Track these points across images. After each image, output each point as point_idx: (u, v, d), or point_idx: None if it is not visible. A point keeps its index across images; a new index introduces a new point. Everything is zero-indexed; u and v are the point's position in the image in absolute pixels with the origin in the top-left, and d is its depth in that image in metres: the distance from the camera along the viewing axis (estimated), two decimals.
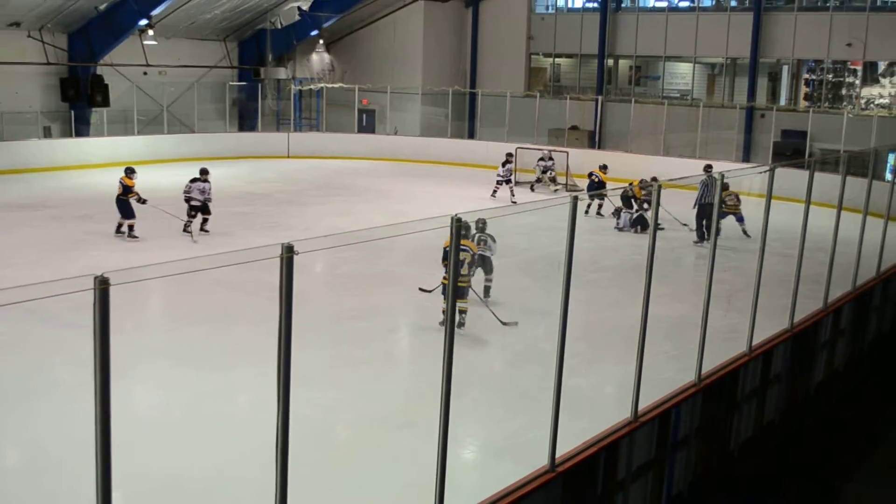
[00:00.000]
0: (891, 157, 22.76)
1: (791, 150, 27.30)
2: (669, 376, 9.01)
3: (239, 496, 7.19)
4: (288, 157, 30.84)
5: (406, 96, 33.95)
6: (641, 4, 33.79)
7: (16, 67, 26.74)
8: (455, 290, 5.66)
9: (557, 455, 6.79)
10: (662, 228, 18.10)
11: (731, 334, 10.39)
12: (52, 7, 26.25)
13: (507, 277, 14.53)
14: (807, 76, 31.25)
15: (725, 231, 17.60)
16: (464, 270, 10.81)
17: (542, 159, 25.36)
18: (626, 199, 19.26)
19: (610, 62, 34.36)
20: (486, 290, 12.46)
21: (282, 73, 34.19)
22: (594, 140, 31.94)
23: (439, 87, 33.45)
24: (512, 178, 23.51)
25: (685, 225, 18.79)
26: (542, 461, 6.76)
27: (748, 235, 17.85)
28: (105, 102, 28.16)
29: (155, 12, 27.62)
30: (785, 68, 31.70)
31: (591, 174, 21.56)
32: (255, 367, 9.48)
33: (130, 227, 16.68)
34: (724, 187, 18.53)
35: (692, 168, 23.33)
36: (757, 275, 9.90)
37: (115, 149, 26.91)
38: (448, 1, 36.03)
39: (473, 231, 11.89)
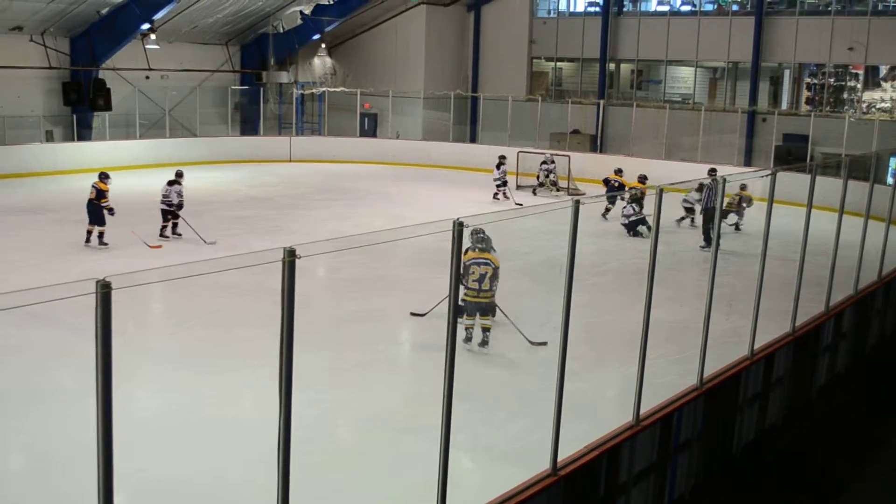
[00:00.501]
0: (892, 161, 22.77)
1: (792, 154, 27.28)
2: (671, 380, 9.00)
3: (241, 499, 7.19)
4: (290, 160, 30.86)
5: (408, 100, 33.96)
6: (643, 8, 33.84)
7: (18, 71, 26.81)
8: (456, 298, 5.65)
9: (559, 459, 6.78)
10: (648, 226, 18.46)
11: (732, 338, 10.39)
12: (54, 11, 26.30)
13: (508, 281, 14.52)
14: (808, 80, 31.27)
15: (728, 235, 17.63)
16: (485, 285, 10.37)
17: (544, 162, 25.36)
18: (636, 200, 19.24)
19: (612, 66, 34.39)
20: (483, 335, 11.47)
21: (284, 77, 34.24)
22: (596, 144, 31.95)
23: (441, 91, 33.47)
24: (507, 179, 23.66)
25: (682, 219, 18.82)
26: (544, 465, 6.76)
27: (738, 229, 18.28)
28: (107, 106, 28.19)
29: (157, 16, 27.67)
30: (787, 72, 31.71)
31: (607, 180, 21.47)
32: (256, 370, 9.50)
33: (101, 235, 16.36)
34: (743, 187, 19.27)
35: (694, 172, 23.34)
36: (759, 278, 9.89)
37: (117, 153, 26.96)
38: (450, 5, 36.08)
39: (469, 242, 11.29)
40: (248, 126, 33.48)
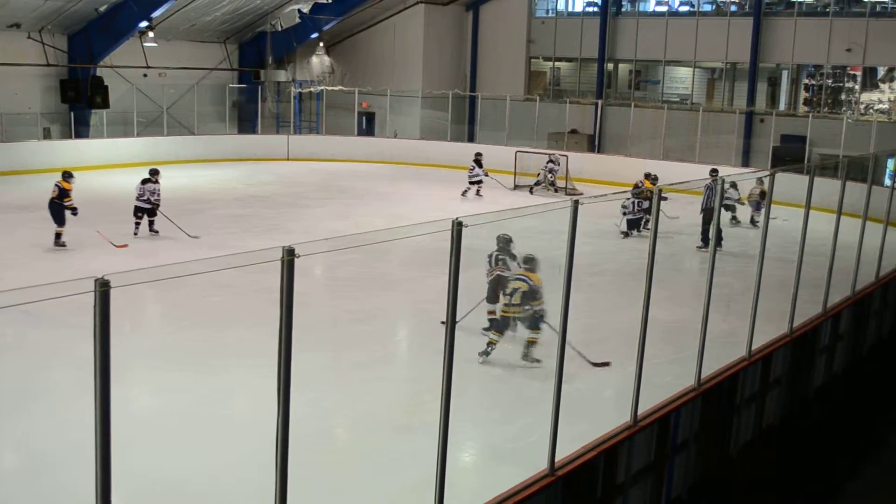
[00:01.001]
0: (890, 163, 22.79)
1: (791, 155, 27.30)
2: (669, 380, 9.01)
3: (238, 499, 7.17)
4: (287, 159, 30.84)
5: (406, 99, 33.96)
6: (641, 9, 33.85)
7: (16, 68, 26.78)
8: (455, 298, 5.64)
9: (557, 458, 6.79)
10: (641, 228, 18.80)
11: (730, 338, 10.39)
12: (52, 8, 26.27)
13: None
14: (806, 81, 31.30)
15: (726, 236, 17.60)
16: (515, 300, 10.20)
17: (550, 161, 25.24)
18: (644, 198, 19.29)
19: (610, 66, 34.41)
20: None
21: (282, 75, 34.23)
22: (594, 144, 31.96)
23: (439, 91, 33.47)
24: (482, 177, 24.07)
25: (675, 217, 18.84)
26: (542, 464, 6.76)
27: (736, 222, 18.93)
28: (105, 104, 28.16)
29: (155, 14, 27.65)
30: (784, 73, 31.74)
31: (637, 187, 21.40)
32: (253, 370, 9.47)
33: (57, 235, 16.08)
34: (761, 181, 19.46)
35: (691, 172, 23.37)
36: (757, 279, 9.90)
37: (115, 150, 26.94)
38: (448, 4, 36.07)
39: (495, 249, 11.15)
40: (246, 124, 33.47)
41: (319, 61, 36.52)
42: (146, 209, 17.27)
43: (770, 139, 28.45)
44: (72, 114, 27.89)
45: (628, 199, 18.88)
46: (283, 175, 27.50)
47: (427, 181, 27.07)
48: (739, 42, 30.91)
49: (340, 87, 34.36)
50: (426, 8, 35.14)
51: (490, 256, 11.27)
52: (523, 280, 10.32)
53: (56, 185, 16.34)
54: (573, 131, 32.40)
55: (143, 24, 27.94)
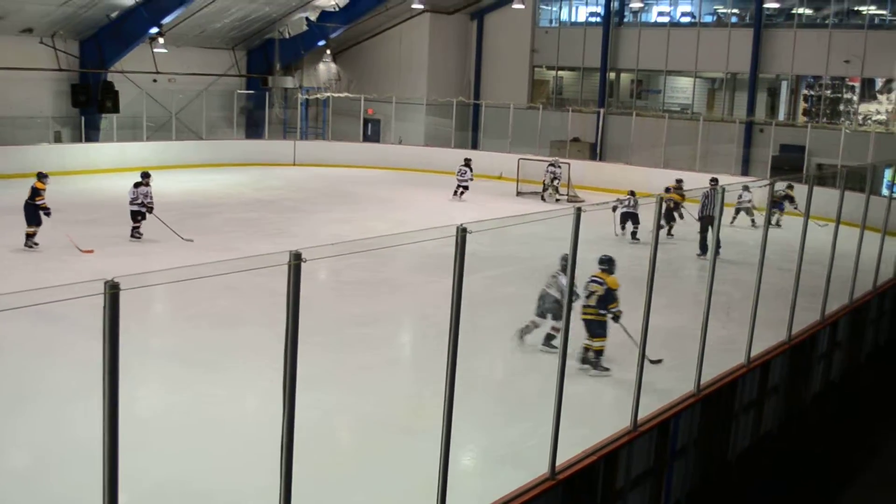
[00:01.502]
0: (887, 173, 22.74)
1: (790, 165, 27.29)
2: (669, 386, 8.99)
3: (243, 497, 7.16)
4: (294, 164, 30.89)
5: (411, 106, 33.99)
6: (643, 19, 33.87)
7: (28, 73, 26.80)
8: (459, 302, 5.64)
9: (558, 463, 6.77)
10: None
11: (729, 345, 10.36)
12: (64, 14, 26.33)
13: (509, 286, 14.53)
14: (805, 92, 31.29)
15: (724, 244, 17.57)
16: (591, 301, 10.18)
17: (552, 165, 25.39)
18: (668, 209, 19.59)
19: (612, 75, 34.41)
20: (548, 338, 10.91)
21: (289, 82, 34.27)
22: (595, 152, 31.97)
23: (444, 98, 33.50)
24: (469, 181, 24.68)
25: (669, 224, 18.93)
26: (543, 469, 6.75)
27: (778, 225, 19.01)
28: (115, 108, 28.21)
29: (165, 21, 27.71)
30: (784, 84, 31.74)
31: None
32: (258, 371, 9.48)
33: (29, 235, 15.94)
34: (790, 186, 20.39)
35: (692, 181, 23.31)
36: (756, 287, 9.89)
37: (124, 154, 26.97)
38: (453, 13, 36.11)
39: (558, 268, 10.86)
40: (254, 130, 33.52)
41: (326, 68, 36.58)
42: (141, 212, 17.22)
43: (769, 149, 28.42)
44: (82, 118, 27.94)
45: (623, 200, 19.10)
46: (290, 180, 27.54)
47: (431, 187, 27.08)
48: (740, 53, 30.92)
49: (346, 94, 34.40)
50: (431, 17, 35.18)
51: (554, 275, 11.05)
52: (599, 282, 10.24)
53: (32, 185, 16.31)
54: (575, 139, 32.41)
55: (154, 30, 28.01)
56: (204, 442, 8.24)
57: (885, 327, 14.77)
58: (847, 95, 30.29)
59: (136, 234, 17.15)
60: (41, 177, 16.55)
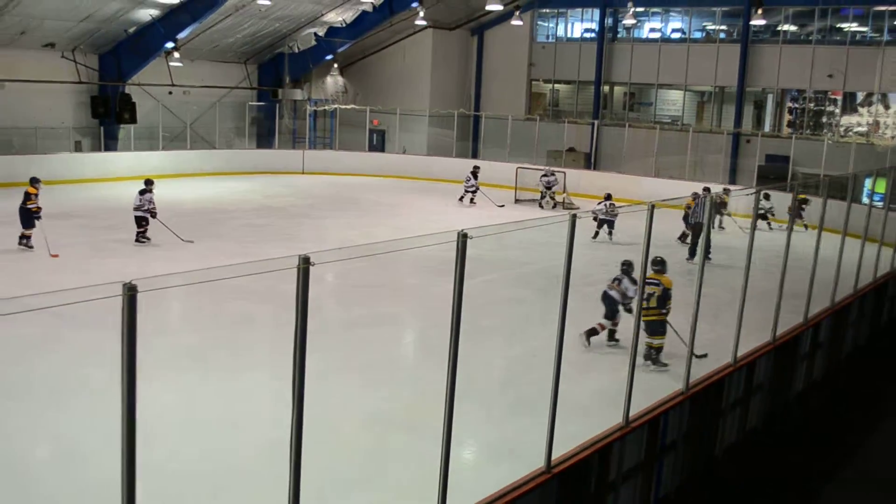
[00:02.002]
0: (867, 182, 22.75)
1: (775, 174, 27.32)
2: (659, 384, 9.00)
3: (255, 490, 7.17)
4: (303, 172, 30.90)
5: (414, 118, 34.02)
6: (636, 35, 33.88)
7: (50, 85, 26.88)
8: (460, 304, 5.66)
9: (553, 457, 6.78)
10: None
11: (717, 346, 10.36)
12: (84, 30, 26.38)
13: (507, 290, 14.55)
14: (790, 104, 31.31)
15: (714, 249, 17.56)
16: (652, 303, 10.29)
17: (545, 175, 25.45)
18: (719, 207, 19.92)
19: (606, 88, 34.44)
20: (611, 334, 11.29)
21: (298, 94, 34.31)
22: (590, 161, 31.98)
23: (445, 110, 33.54)
24: (478, 187, 24.86)
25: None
26: (539, 463, 6.75)
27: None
28: (132, 119, 28.25)
29: (181, 36, 27.74)
30: (770, 97, 31.76)
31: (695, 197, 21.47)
32: (269, 369, 9.49)
33: (25, 237, 16.12)
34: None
35: (682, 189, 23.35)
36: (742, 290, 9.90)
37: (141, 163, 26.98)
38: (455, 29, 36.16)
39: (620, 273, 11.16)
40: (264, 139, 33.55)
41: (333, 81, 36.63)
42: (144, 218, 17.23)
43: (756, 159, 28.43)
44: (101, 128, 27.98)
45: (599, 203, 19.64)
46: (299, 187, 27.56)
47: (433, 194, 27.10)
48: (727, 67, 30.95)
49: (353, 106, 34.43)
50: (434, 32, 35.22)
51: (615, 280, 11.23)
52: (655, 283, 10.32)
53: (25, 191, 16.32)
54: (571, 149, 32.41)
55: (169, 44, 28.04)
56: (216, 437, 8.25)
57: (865, 329, 14.77)
58: (829, 108, 30.32)
59: (142, 238, 17.16)
60: (34, 181, 16.52)
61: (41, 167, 24.30)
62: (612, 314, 11.18)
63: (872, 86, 28.72)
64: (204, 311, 12.40)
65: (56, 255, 15.63)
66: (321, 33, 33.32)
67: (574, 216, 6.60)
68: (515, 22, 32.23)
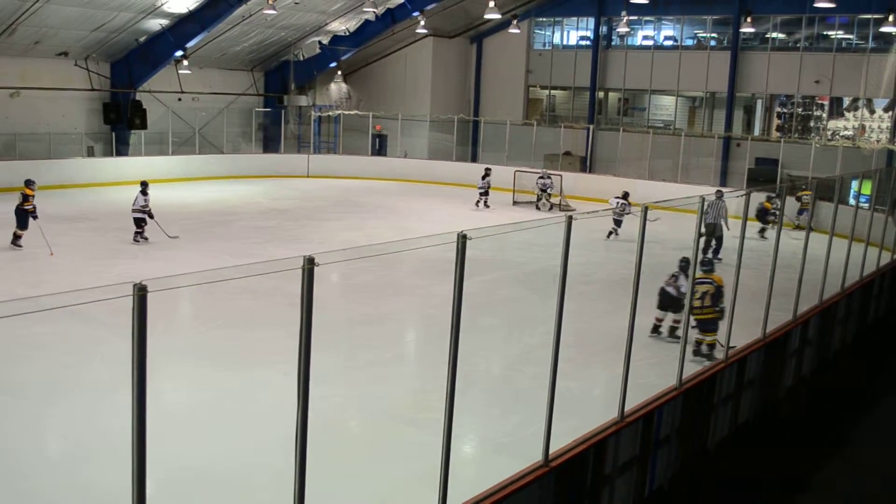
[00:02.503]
0: (854, 184, 22.74)
1: (764, 177, 27.30)
2: (653, 380, 8.97)
3: (261, 483, 7.16)
4: (308, 176, 30.88)
5: (415, 123, 34.01)
6: (629, 43, 33.88)
7: (63, 93, 26.91)
8: (460, 303, 5.64)
9: (550, 451, 6.76)
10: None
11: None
12: (97, 39, 26.39)
13: (506, 289, 14.53)
14: (779, 109, 31.30)
15: (725, 251, 17.51)
16: (706, 302, 10.47)
17: (541, 177, 25.43)
18: (762, 212, 20.27)
19: (601, 94, 34.43)
20: (672, 330, 11.52)
21: (303, 100, 34.29)
22: (585, 165, 31.97)
23: (445, 115, 33.52)
24: (489, 189, 24.57)
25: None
26: (537, 456, 6.73)
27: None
28: (143, 125, 28.26)
29: (189, 44, 27.75)
30: (759, 102, 31.74)
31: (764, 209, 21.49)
32: (274, 367, 9.48)
33: (17, 237, 16.18)
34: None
35: (674, 191, 23.35)
36: (733, 289, 9.88)
37: (152, 167, 26.98)
38: (454, 37, 36.15)
39: (677, 269, 11.39)
40: (270, 144, 33.53)
41: (337, 88, 36.62)
42: (142, 219, 17.27)
43: (745, 161, 28.43)
44: (113, 134, 27.99)
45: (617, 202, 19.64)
46: (304, 190, 27.55)
47: (434, 197, 27.10)
48: (718, 73, 30.95)
49: (356, 112, 34.42)
50: (434, 40, 35.21)
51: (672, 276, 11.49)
52: (709, 283, 10.41)
53: (21, 192, 16.37)
54: (567, 153, 32.40)
55: (179, 53, 28.05)
56: (224, 432, 8.24)
57: (852, 327, 14.74)
58: (817, 113, 30.32)
59: (141, 238, 17.16)
60: (29, 183, 16.50)
61: (55, 171, 24.40)
62: (666, 308, 11.48)
63: (858, 91, 28.71)
64: (212, 310, 12.39)
65: (52, 255, 15.68)
66: (325, 42, 33.33)
67: (570, 218, 6.58)
68: (513, 30, 32.23)
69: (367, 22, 32.40)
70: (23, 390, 9.07)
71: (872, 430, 11.37)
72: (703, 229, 17.89)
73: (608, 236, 19.51)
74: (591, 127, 32.17)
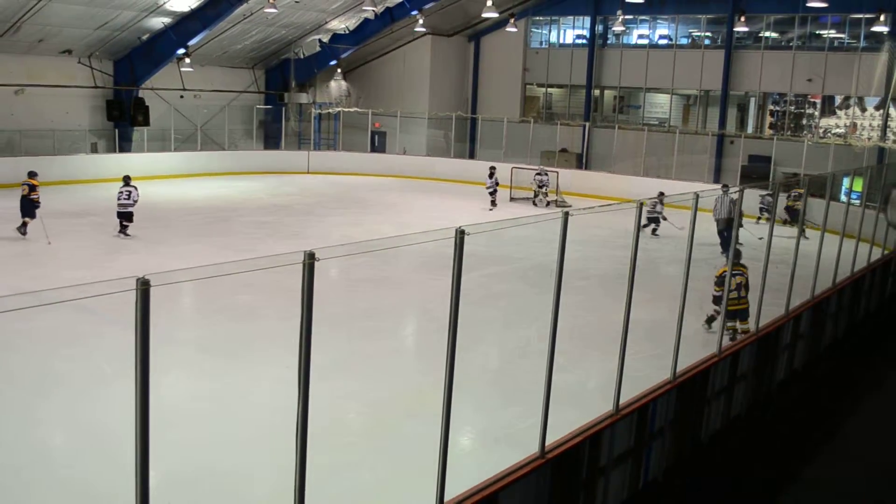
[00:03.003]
0: (845, 181, 22.76)
1: (757, 174, 27.32)
2: (647, 374, 8.97)
3: (261, 476, 7.16)
4: (308, 172, 30.87)
5: (414, 120, 33.99)
6: (625, 41, 33.84)
7: (67, 90, 26.86)
8: (458, 298, 5.63)
9: (547, 443, 6.76)
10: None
11: (703, 336, 10.36)
12: (100, 37, 26.33)
13: (504, 283, 14.54)
14: (771, 107, 31.29)
15: (714, 244, 17.48)
16: (742, 293, 10.81)
17: (538, 174, 25.43)
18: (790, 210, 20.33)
19: (596, 92, 34.41)
20: (710, 319, 11.87)
21: (303, 97, 34.26)
22: (581, 161, 31.96)
23: (443, 112, 33.50)
24: (496, 188, 24.17)
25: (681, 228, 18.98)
26: (533, 448, 6.73)
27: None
28: (146, 122, 28.22)
29: (192, 42, 27.70)
30: (752, 100, 31.74)
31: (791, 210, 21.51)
32: (276, 360, 9.47)
33: (24, 225, 16.48)
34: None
35: (668, 188, 23.33)
36: (727, 284, 9.88)
37: (154, 164, 27.00)
38: (452, 36, 36.10)
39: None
40: (271, 141, 33.51)
41: (337, 85, 36.57)
42: (127, 214, 17.33)
43: (739, 159, 28.44)
44: (116, 130, 27.95)
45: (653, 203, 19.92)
46: (304, 187, 27.53)
47: (432, 193, 27.09)
48: (712, 72, 30.93)
49: (355, 109, 34.39)
50: (433, 39, 35.17)
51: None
52: (742, 274, 10.73)
53: (26, 183, 16.53)
54: (563, 150, 32.39)
55: (181, 51, 28.00)
56: (226, 424, 8.24)
57: (843, 321, 14.75)
58: (809, 111, 30.31)
59: (127, 232, 17.18)
60: (33, 174, 16.74)
61: (59, 168, 24.36)
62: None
63: (850, 89, 28.71)
64: (213, 305, 12.38)
65: (50, 243, 15.83)
66: (325, 40, 33.28)
67: (566, 214, 6.57)
68: (510, 29, 32.21)
69: (366, 20, 32.35)
70: (30, 384, 9.06)
71: (862, 422, 11.39)
72: (717, 224, 18.06)
73: (653, 233, 20.13)
74: (587, 124, 32.16)
